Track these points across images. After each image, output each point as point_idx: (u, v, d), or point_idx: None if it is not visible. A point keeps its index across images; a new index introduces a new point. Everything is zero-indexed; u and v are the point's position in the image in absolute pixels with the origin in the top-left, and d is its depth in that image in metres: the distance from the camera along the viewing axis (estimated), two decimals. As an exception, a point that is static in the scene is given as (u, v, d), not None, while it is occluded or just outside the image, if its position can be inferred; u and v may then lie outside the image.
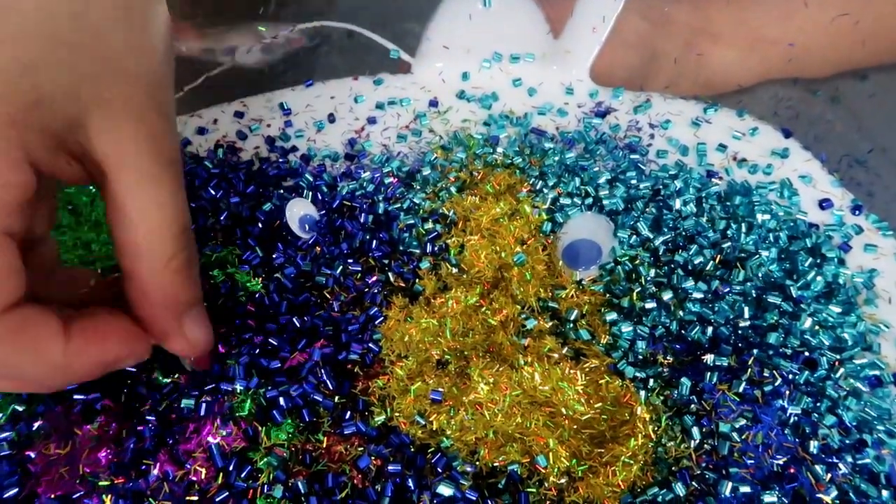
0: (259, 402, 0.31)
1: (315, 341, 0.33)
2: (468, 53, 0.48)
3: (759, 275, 0.37)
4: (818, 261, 0.38)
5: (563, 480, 0.30)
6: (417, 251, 0.38)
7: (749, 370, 0.33)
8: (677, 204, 0.39)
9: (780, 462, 0.31)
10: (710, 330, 0.34)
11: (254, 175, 0.42)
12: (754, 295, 0.36)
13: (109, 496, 0.28)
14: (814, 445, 0.31)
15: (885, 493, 0.31)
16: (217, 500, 0.29)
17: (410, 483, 0.30)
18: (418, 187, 0.41)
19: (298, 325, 0.34)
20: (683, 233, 0.38)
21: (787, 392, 0.32)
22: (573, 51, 0.47)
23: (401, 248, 0.38)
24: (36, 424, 0.31)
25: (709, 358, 0.33)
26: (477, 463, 0.31)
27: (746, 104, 0.48)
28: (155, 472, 0.29)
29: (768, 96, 0.50)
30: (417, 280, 0.36)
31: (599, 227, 0.37)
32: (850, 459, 0.31)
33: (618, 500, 0.30)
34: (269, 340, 0.33)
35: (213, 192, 0.40)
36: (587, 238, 0.37)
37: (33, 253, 0.27)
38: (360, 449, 0.31)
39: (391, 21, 0.51)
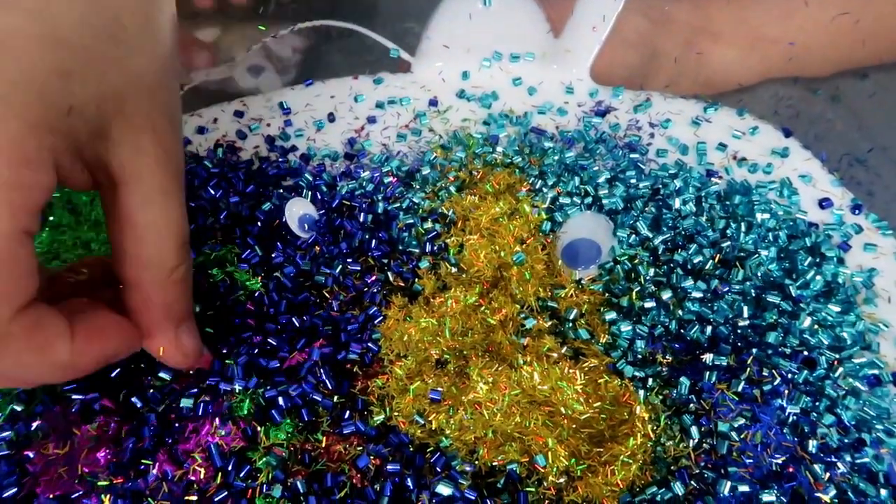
0: (258, 402, 0.31)
1: (314, 341, 0.33)
2: (468, 52, 0.48)
3: (759, 274, 0.36)
4: (817, 260, 0.38)
5: (561, 480, 0.30)
6: (417, 251, 0.38)
7: (748, 369, 0.33)
8: (677, 203, 0.39)
9: (779, 461, 0.31)
10: (709, 329, 0.34)
11: (253, 174, 0.42)
12: (753, 294, 0.36)
13: (108, 496, 0.28)
14: (812, 445, 0.31)
15: (883, 492, 0.31)
16: (216, 499, 0.29)
17: (409, 482, 0.30)
18: (418, 187, 0.41)
19: (297, 324, 0.34)
20: (683, 232, 0.38)
21: (786, 391, 0.32)
22: (573, 50, 0.47)
23: (400, 247, 0.38)
24: (35, 424, 0.31)
25: (708, 357, 0.33)
26: (476, 462, 0.31)
27: (747, 103, 0.48)
28: (154, 471, 0.29)
29: (769, 95, 0.50)
30: (417, 279, 0.36)
31: (599, 226, 0.37)
32: (848, 458, 0.31)
33: (616, 499, 0.30)
34: (268, 340, 0.33)
35: (212, 191, 0.40)
36: (586, 237, 0.37)
37: None
38: (359, 448, 0.31)
39: (391, 20, 0.51)
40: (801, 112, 0.49)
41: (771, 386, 0.32)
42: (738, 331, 0.35)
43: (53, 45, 0.22)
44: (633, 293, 0.35)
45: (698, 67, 0.49)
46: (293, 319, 0.34)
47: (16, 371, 0.24)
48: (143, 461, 0.30)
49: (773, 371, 0.33)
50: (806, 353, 0.34)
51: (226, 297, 0.35)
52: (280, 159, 0.43)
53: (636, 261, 0.37)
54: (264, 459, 0.30)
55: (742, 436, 0.31)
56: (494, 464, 0.31)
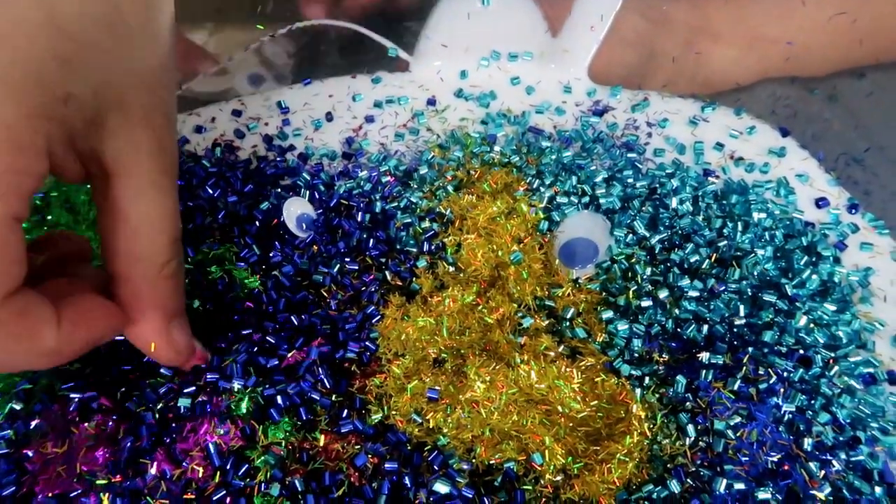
0: (256, 401, 0.31)
1: (312, 339, 0.33)
2: (466, 52, 0.48)
3: (755, 273, 0.37)
4: (814, 259, 0.38)
5: (559, 478, 0.30)
6: (414, 250, 0.38)
7: (744, 368, 0.33)
8: (674, 202, 0.39)
9: (775, 459, 0.31)
10: (705, 328, 0.34)
11: (251, 174, 0.42)
12: (750, 293, 0.36)
13: (107, 495, 0.28)
14: (808, 443, 0.31)
15: (878, 489, 0.31)
16: (214, 498, 0.29)
17: (407, 481, 0.30)
18: (415, 186, 0.41)
19: (296, 322, 0.34)
20: (679, 231, 0.38)
21: (782, 390, 0.32)
22: (571, 49, 0.47)
23: (398, 246, 0.38)
24: (33, 423, 0.31)
25: (704, 356, 0.33)
26: (473, 461, 0.31)
27: (744, 103, 0.48)
28: (152, 470, 0.29)
29: (766, 95, 0.50)
30: (414, 279, 0.36)
31: (596, 225, 0.37)
32: (843, 456, 0.31)
33: (613, 497, 0.30)
34: (267, 338, 0.33)
35: (210, 190, 0.40)
36: (584, 236, 0.37)
37: None
38: (356, 447, 0.31)
39: (390, 19, 0.51)
40: (798, 111, 0.49)
41: (767, 384, 0.32)
42: (735, 329, 0.35)
43: (54, 33, 0.22)
44: (630, 292, 0.36)
45: (696, 67, 0.49)
46: (291, 318, 0.34)
47: (0, 357, 0.24)
48: (141, 460, 0.30)
49: (769, 369, 0.33)
50: (802, 351, 0.34)
51: (224, 294, 0.35)
52: (278, 158, 0.43)
53: (633, 260, 0.37)
54: (262, 458, 0.30)
55: (738, 434, 0.31)
56: (492, 462, 0.31)
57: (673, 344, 0.34)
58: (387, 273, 0.37)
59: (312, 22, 0.48)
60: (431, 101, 0.47)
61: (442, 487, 0.29)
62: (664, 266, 0.37)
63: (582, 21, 0.47)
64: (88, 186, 0.39)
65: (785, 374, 0.33)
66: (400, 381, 0.32)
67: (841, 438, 0.32)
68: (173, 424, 0.31)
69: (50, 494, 0.29)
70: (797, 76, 0.51)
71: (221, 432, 0.30)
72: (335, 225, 0.38)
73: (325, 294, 0.36)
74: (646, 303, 0.35)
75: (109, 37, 0.24)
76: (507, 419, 0.31)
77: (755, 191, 0.41)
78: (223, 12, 0.52)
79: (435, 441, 0.31)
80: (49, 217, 0.39)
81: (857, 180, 0.45)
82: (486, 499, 0.30)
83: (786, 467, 0.31)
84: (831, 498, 0.30)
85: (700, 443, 0.31)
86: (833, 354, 0.34)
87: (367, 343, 0.34)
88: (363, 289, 0.36)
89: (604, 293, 0.36)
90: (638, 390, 0.32)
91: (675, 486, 0.30)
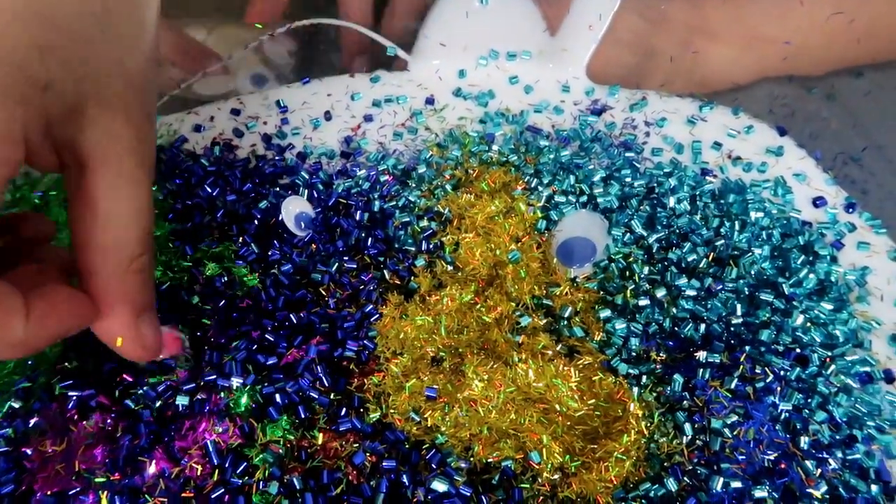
0: (255, 399, 0.31)
1: (311, 338, 0.34)
2: (465, 51, 0.48)
3: (752, 272, 0.37)
4: (811, 258, 0.38)
5: (556, 476, 0.30)
6: (413, 249, 0.38)
7: (741, 367, 0.33)
8: (671, 202, 0.39)
9: (771, 457, 0.31)
10: (702, 327, 0.35)
11: (250, 172, 0.42)
12: (747, 292, 0.36)
13: (105, 493, 0.29)
14: (804, 441, 0.31)
15: (874, 487, 0.31)
16: (213, 496, 0.29)
17: (405, 479, 0.30)
18: (414, 185, 0.41)
19: (295, 321, 0.34)
20: (677, 230, 0.38)
21: (779, 388, 0.32)
22: (570, 48, 0.47)
23: (396, 245, 0.38)
24: (32, 421, 0.31)
25: (701, 355, 0.33)
26: (471, 459, 0.31)
27: (742, 102, 0.48)
28: (151, 468, 0.29)
29: (764, 94, 0.50)
30: (413, 277, 0.37)
31: (594, 224, 0.37)
32: (840, 455, 0.32)
33: (610, 495, 0.30)
34: (266, 336, 0.33)
35: (209, 189, 0.40)
36: (581, 236, 0.37)
37: None
38: (355, 445, 0.31)
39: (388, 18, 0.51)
40: (796, 111, 0.49)
41: (764, 383, 0.33)
42: (732, 328, 0.35)
43: (37, 21, 0.22)
44: (628, 291, 0.36)
45: (694, 66, 0.49)
46: (290, 316, 0.34)
47: None
48: (140, 458, 0.30)
49: (766, 368, 0.33)
50: (798, 350, 0.34)
51: (223, 292, 0.35)
52: (277, 157, 0.43)
53: (631, 259, 0.37)
54: (261, 456, 0.30)
55: (735, 432, 0.31)
56: (489, 460, 0.31)
57: (670, 343, 0.34)
58: (385, 272, 0.37)
59: (312, 21, 0.48)
60: (430, 100, 0.47)
61: (440, 486, 0.29)
62: (662, 265, 0.37)
63: (580, 20, 0.47)
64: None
65: (782, 372, 0.33)
66: (398, 379, 0.32)
67: (837, 437, 0.32)
68: (172, 423, 0.31)
69: (49, 492, 0.29)
70: (795, 75, 0.51)
71: (220, 430, 0.30)
72: (334, 224, 0.39)
73: (323, 292, 0.36)
74: (643, 302, 0.35)
75: (93, 27, 0.24)
76: (504, 418, 0.31)
77: (753, 190, 0.41)
78: (223, 11, 0.52)
79: (433, 439, 0.31)
80: (49, 216, 0.39)
81: (855, 179, 0.46)
82: (483, 497, 0.30)
83: (782, 466, 0.31)
84: (828, 496, 0.30)
85: (697, 441, 0.32)
86: (830, 353, 0.34)
87: (365, 341, 0.34)
88: (361, 287, 0.36)
89: (601, 292, 0.36)
90: (635, 389, 0.32)
91: (672, 485, 0.30)
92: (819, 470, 0.31)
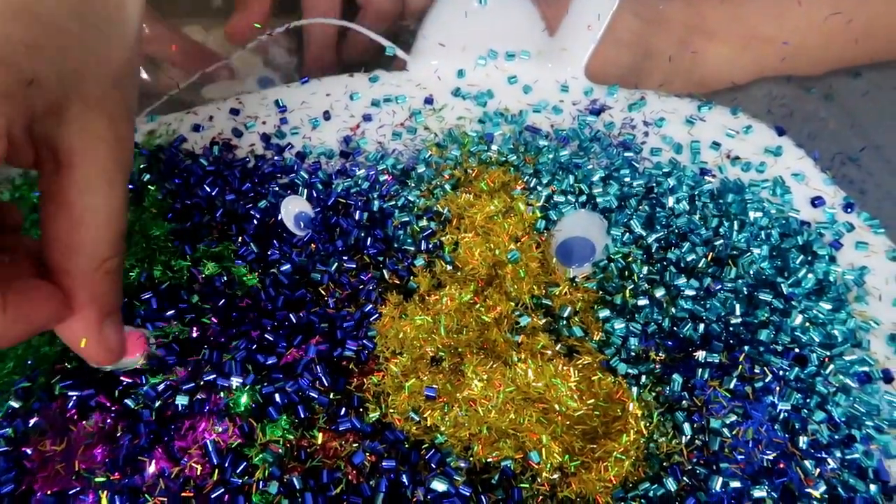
0: (255, 399, 0.31)
1: (311, 337, 0.34)
2: (464, 51, 0.48)
3: (751, 272, 0.37)
4: (809, 258, 0.38)
5: (555, 476, 0.30)
6: (412, 248, 0.38)
7: (740, 367, 0.33)
8: (670, 201, 0.40)
9: (770, 457, 0.31)
10: (701, 327, 0.35)
11: (249, 172, 0.42)
12: (746, 292, 0.36)
13: (105, 492, 0.29)
14: (803, 441, 0.32)
15: (872, 487, 0.31)
16: (213, 496, 0.29)
17: (405, 479, 0.30)
18: (413, 185, 0.41)
19: (294, 320, 0.34)
20: (676, 230, 0.38)
21: (778, 388, 0.33)
22: (568, 48, 0.47)
23: (395, 245, 0.38)
24: (32, 421, 0.31)
25: (700, 354, 0.33)
26: (470, 459, 0.31)
27: (740, 102, 0.49)
28: (151, 468, 0.29)
29: (762, 94, 0.50)
30: (412, 277, 0.37)
31: (593, 224, 0.37)
32: (838, 454, 0.32)
33: (610, 495, 0.30)
34: (265, 336, 0.33)
35: (208, 188, 0.40)
36: (581, 235, 0.37)
37: None
38: (354, 445, 0.31)
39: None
40: (794, 111, 0.49)
41: (762, 383, 0.33)
42: (731, 328, 0.35)
43: (23, 17, 0.23)
44: (627, 291, 0.36)
45: (692, 66, 0.49)
46: (290, 316, 0.34)
47: None
48: (139, 458, 0.30)
49: (765, 368, 0.33)
50: (797, 350, 0.34)
51: (223, 292, 0.35)
52: (276, 157, 0.43)
53: (630, 259, 0.37)
54: (261, 456, 0.30)
55: (734, 432, 0.31)
56: (489, 460, 0.31)
57: (669, 342, 0.34)
58: (384, 271, 0.37)
59: (311, 21, 0.48)
60: (429, 100, 0.47)
61: (439, 485, 0.29)
62: (661, 265, 0.37)
63: (579, 20, 0.47)
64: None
65: (780, 372, 0.33)
66: (398, 379, 0.33)
67: (836, 437, 0.32)
68: (172, 423, 0.31)
69: (48, 492, 0.29)
70: (793, 75, 0.51)
71: (220, 430, 0.30)
72: (333, 223, 0.39)
73: (323, 292, 0.36)
74: (642, 301, 0.35)
75: (79, 25, 0.24)
76: (504, 417, 0.31)
77: (751, 190, 0.41)
78: (223, 11, 0.52)
79: (432, 439, 0.31)
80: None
81: (853, 179, 0.46)
82: (483, 497, 0.30)
83: (781, 465, 0.31)
84: (826, 496, 0.30)
85: (696, 441, 0.32)
86: (828, 353, 0.35)
87: (364, 341, 0.34)
88: (361, 287, 0.36)
89: (601, 292, 0.36)
90: (634, 389, 0.32)
91: (671, 485, 0.30)
92: (818, 470, 0.31)
